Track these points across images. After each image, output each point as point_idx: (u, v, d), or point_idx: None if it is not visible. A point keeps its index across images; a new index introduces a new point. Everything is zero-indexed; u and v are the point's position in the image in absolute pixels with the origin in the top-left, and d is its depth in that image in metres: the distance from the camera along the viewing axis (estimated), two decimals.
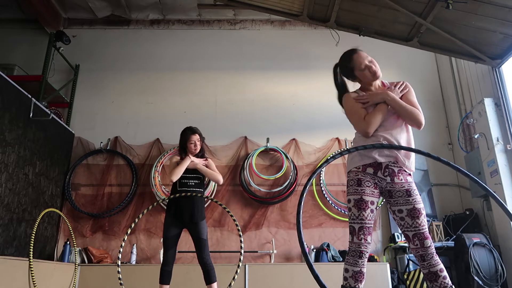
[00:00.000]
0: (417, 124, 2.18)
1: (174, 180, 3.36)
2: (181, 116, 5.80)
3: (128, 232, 3.51)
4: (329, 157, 5.41)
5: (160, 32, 6.47)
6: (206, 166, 3.56)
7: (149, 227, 5.22)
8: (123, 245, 3.47)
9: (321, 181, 5.37)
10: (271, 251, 5.05)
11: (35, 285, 3.73)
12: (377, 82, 2.32)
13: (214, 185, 5.34)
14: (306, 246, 4.95)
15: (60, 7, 6.26)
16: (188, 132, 3.51)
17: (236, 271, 3.40)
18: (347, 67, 2.32)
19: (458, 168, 2.13)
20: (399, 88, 2.26)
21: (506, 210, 1.93)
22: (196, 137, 3.50)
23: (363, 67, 2.24)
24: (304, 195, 1.93)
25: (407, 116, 2.17)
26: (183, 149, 3.53)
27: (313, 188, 5.36)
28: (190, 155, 3.48)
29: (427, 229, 2.06)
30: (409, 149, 2.13)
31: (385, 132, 2.17)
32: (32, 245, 3.85)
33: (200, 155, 3.58)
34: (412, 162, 2.18)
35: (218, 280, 3.25)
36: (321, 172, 5.40)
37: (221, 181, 3.56)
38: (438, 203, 5.36)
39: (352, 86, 2.43)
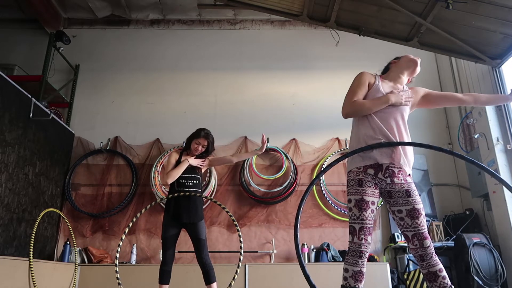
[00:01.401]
0: None
1: (169, 183, 3.33)
2: (181, 116, 5.81)
3: (126, 231, 3.51)
4: (324, 164, 5.43)
5: (160, 32, 6.47)
6: (210, 163, 3.61)
7: (149, 227, 5.22)
8: (121, 244, 3.48)
9: (321, 181, 5.37)
10: (271, 251, 5.05)
11: (35, 285, 3.73)
12: (405, 81, 2.40)
13: (214, 185, 5.34)
14: (306, 246, 4.98)
15: (60, 7, 6.26)
16: (201, 133, 3.46)
17: (236, 271, 3.40)
18: (407, 55, 2.47)
19: (462, 156, 2.13)
20: (407, 96, 2.29)
21: (506, 185, 1.93)
22: (204, 142, 3.45)
23: (411, 57, 2.42)
24: (302, 206, 1.96)
25: None
26: (189, 145, 3.52)
27: (313, 188, 5.36)
28: (188, 159, 3.42)
29: (426, 229, 2.06)
30: (408, 144, 2.13)
31: (385, 131, 2.17)
32: (32, 245, 3.85)
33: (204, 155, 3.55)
34: (408, 164, 2.17)
35: (217, 280, 3.25)
36: (321, 176, 5.39)
37: (233, 160, 3.91)
38: (438, 203, 5.36)
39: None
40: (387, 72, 2.46)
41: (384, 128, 2.17)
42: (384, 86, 2.31)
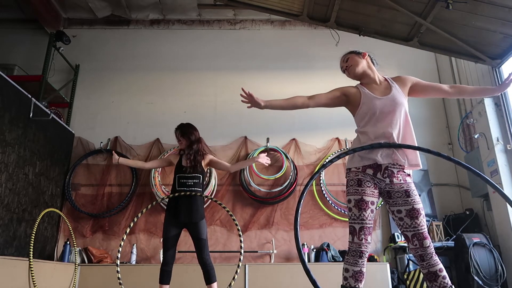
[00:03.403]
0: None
1: (145, 168, 3.77)
2: (181, 116, 5.76)
3: (127, 231, 3.52)
4: (325, 162, 5.43)
5: (160, 32, 6.47)
6: (210, 162, 3.58)
7: (149, 227, 5.22)
8: (122, 244, 3.48)
9: (321, 181, 5.37)
10: (271, 251, 5.05)
11: (35, 285, 3.73)
12: (379, 78, 2.38)
13: (214, 185, 5.34)
14: (306, 246, 4.98)
15: (60, 7, 6.26)
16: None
17: (236, 271, 3.40)
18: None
19: (459, 162, 2.13)
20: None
21: (507, 199, 1.93)
22: (176, 134, 3.53)
23: (343, 70, 2.49)
24: (301, 203, 1.98)
25: None
26: None
27: (313, 188, 5.36)
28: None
29: (426, 229, 2.06)
30: (408, 147, 2.13)
31: (384, 130, 2.17)
32: (32, 245, 3.85)
33: (197, 152, 3.48)
34: (414, 159, 2.17)
35: (218, 280, 3.25)
36: (321, 172, 5.40)
37: (231, 169, 3.68)
38: (438, 203, 5.36)
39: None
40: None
41: (383, 130, 2.16)
42: (369, 88, 2.33)
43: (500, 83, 4.78)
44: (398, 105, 2.21)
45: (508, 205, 4.31)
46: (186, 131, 3.49)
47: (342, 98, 2.35)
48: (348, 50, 2.50)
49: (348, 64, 2.42)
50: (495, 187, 2.01)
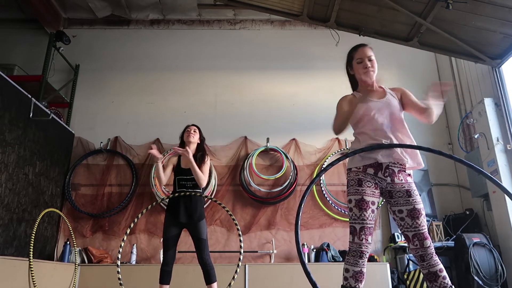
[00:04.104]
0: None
1: (163, 184, 3.49)
2: (181, 116, 5.80)
3: (128, 232, 3.52)
4: (324, 164, 5.44)
5: (160, 32, 6.47)
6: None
7: (149, 227, 5.22)
8: (122, 245, 3.48)
9: (321, 181, 5.37)
10: (271, 251, 5.05)
11: (35, 285, 3.73)
12: (375, 85, 2.32)
13: (214, 185, 5.34)
14: (306, 246, 4.98)
15: (60, 7, 6.26)
16: (187, 125, 3.66)
17: (236, 271, 3.40)
18: (349, 55, 2.37)
19: (460, 160, 2.13)
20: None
21: (507, 192, 1.93)
22: (192, 127, 3.59)
23: (360, 60, 2.28)
24: (302, 208, 1.97)
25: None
26: (182, 142, 3.60)
27: (314, 188, 5.35)
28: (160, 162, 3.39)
29: (426, 230, 2.06)
30: (408, 146, 2.13)
31: (382, 131, 2.17)
32: (32, 245, 3.85)
33: (200, 154, 3.53)
34: (414, 159, 2.17)
35: (218, 280, 3.25)
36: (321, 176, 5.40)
37: (203, 185, 3.44)
38: (438, 203, 5.36)
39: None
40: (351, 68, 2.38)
41: (380, 131, 2.17)
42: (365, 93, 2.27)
43: (500, 83, 4.80)
44: (393, 108, 2.23)
45: (508, 205, 4.31)
46: (200, 131, 3.65)
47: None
48: (366, 44, 2.35)
49: (373, 68, 2.27)
50: (495, 182, 2.01)
